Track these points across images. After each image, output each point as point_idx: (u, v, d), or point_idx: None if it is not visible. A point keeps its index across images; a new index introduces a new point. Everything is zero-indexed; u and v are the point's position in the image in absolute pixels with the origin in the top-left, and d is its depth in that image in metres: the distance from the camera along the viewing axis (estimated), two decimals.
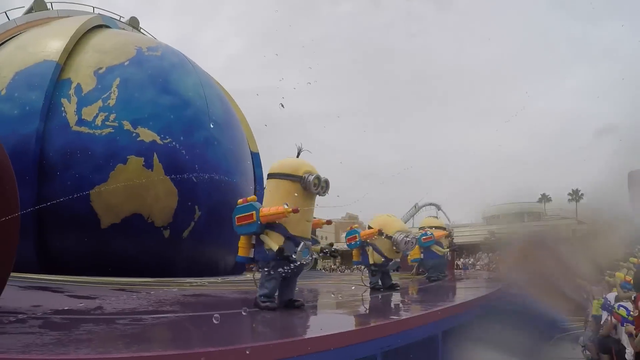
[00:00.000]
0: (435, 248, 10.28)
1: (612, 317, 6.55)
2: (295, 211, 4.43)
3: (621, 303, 6.29)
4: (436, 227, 10.55)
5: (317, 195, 4.79)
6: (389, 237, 7.75)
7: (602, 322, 7.91)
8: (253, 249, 4.73)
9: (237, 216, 4.66)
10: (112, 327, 3.72)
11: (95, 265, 10.53)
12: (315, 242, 6.57)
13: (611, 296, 8.18)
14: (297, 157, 4.94)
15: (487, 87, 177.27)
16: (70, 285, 7.71)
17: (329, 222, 5.16)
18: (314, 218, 5.30)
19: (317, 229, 6.50)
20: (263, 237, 4.59)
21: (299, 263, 4.54)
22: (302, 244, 4.54)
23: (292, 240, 4.54)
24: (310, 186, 4.61)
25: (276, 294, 4.80)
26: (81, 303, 5.40)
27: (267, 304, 4.62)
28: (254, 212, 4.55)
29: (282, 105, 5.00)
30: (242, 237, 4.76)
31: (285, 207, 4.46)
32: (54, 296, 6.28)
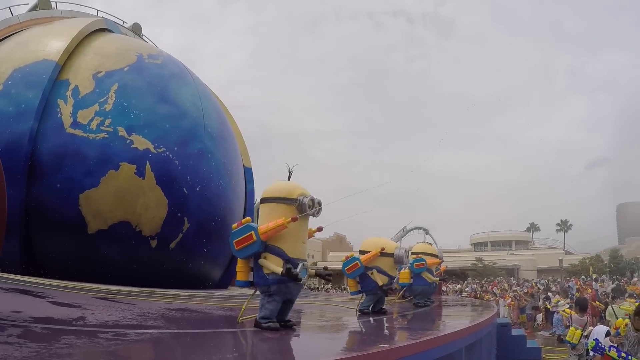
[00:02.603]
0: (426, 275, 10.19)
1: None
2: (294, 219, 4.44)
3: (612, 344, 6.23)
4: (430, 254, 10.45)
5: (311, 217, 4.80)
6: (390, 255, 7.73)
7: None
8: (252, 273, 4.68)
9: (235, 240, 4.56)
10: (94, 341, 3.59)
11: (80, 271, 10.39)
12: None
13: (600, 330, 8.11)
14: (289, 179, 4.96)
15: (483, 114, 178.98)
16: (53, 290, 7.54)
17: (319, 229, 5.14)
18: None
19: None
20: (262, 261, 4.56)
21: (302, 282, 4.59)
22: (300, 264, 4.55)
23: (291, 262, 4.52)
24: (306, 208, 4.61)
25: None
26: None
27: (270, 324, 4.59)
28: (252, 232, 4.49)
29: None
30: (239, 261, 4.70)
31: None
32: (36, 302, 6.12)
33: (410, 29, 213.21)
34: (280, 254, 4.53)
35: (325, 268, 5.44)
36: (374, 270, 7.71)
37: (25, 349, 2.97)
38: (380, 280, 7.69)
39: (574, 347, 9.16)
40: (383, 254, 7.72)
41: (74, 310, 5.44)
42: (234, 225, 4.65)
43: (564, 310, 13.50)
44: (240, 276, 4.71)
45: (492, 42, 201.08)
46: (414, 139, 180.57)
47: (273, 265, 4.49)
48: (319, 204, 4.75)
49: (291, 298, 4.80)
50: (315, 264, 59.02)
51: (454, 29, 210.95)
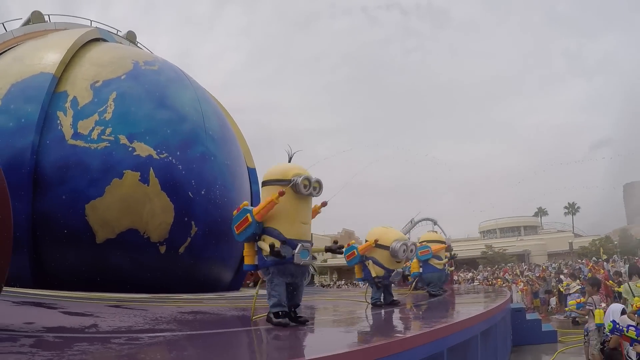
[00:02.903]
0: (433, 261, 10.18)
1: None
2: (281, 194, 4.44)
3: (630, 324, 6.16)
4: (435, 241, 10.43)
5: (312, 197, 4.84)
6: (386, 247, 7.64)
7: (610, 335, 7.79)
8: (257, 257, 4.74)
9: (235, 225, 4.69)
10: (107, 346, 3.57)
11: (90, 281, 10.37)
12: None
13: (615, 308, 8.01)
14: (289, 162, 4.97)
15: (483, 101, 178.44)
16: (64, 301, 7.52)
17: (324, 204, 5.12)
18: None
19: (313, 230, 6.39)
20: (260, 243, 4.62)
21: (291, 257, 4.54)
22: (299, 245, 4.55)
23: (289, 243, 4.53)
24: (300, 188, 4.62)
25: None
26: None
27: (280, 319, 4.62)
28: (248, 214, 4.61)
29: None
30: (245, 246, 4.78)
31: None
32: (48, 312, 6.10)
33: (404, 21, 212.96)
34: (276, 235, 4.55)
35: (335, 242, 5.43)
36: (370, 261, 7.68)
37: (37, 358, 2.95)
38: (374, 271, 7.64)
39: (601, 327, 9.03)
40: (378, 245, 7.68)
41: (86, 318, 5.42)
42: (235, 211, 4.76)
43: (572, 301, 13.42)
44: (247, 260, 4.79)
45: (487, 30, 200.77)
46: (413, 131, 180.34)
47: (266, 245, 4.52)
48: (318, 182, 4.75)
49: (294, 281, 4.80)
50: (325, 261, 58.90)
51: (448, 19, 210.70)
